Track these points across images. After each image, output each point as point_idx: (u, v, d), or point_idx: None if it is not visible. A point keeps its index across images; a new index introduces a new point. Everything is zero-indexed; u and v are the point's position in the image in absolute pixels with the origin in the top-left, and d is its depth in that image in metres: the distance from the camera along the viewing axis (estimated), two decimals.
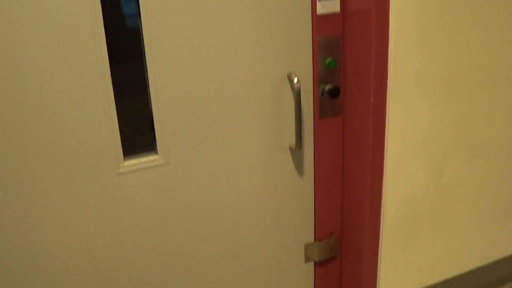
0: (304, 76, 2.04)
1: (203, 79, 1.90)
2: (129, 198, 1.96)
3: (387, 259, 2.29)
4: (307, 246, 2.33)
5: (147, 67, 1.82)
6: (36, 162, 1.77)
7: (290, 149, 2.12)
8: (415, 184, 2.20)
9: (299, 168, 2.17)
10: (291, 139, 2.10)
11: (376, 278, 2.31)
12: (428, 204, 2.26)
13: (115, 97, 1.82)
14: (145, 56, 1.81)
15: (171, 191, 2.01)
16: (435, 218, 2.29)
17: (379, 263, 2.29)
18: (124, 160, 1.91)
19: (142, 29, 1.79)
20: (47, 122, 1.74)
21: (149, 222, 2.02)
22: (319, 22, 2.00)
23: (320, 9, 1.99)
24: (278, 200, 2.19)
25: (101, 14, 1.71)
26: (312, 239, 2.33)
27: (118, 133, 1.86)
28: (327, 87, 2.06)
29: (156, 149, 1.95)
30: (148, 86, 1.86)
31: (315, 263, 2.38)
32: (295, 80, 1.98)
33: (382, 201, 2.18)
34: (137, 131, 2.01)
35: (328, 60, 2.03)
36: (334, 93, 2.05)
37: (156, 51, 1.81)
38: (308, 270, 2.38)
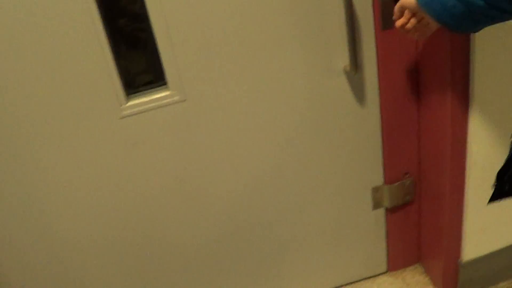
0: None
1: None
2: (138, 145, 1.56)
3: (474, 205, 1.77)
4: (375, 191, 1.84)
5: None
6: (27, 117, 1.40)
7: (345, 72, 1.60)
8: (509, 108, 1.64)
9: (359, 96, 1.66)
10: (346, 61, 1.57)
11: (461, 228, 1.81)
12: None
13: (106, 24, 1.38)
14: None
15: (190, 135, 1.58)
16: None
17: (464, 210, 1.78)
18: (127, 100, 1.51)
19: None
20: (33, 64, 1.35)
21: (166, 173, 1.61)
22: None
23: None
24: (334, 137, 1.71)
25: None
26: (381, 182, 1.83)
27: (115, 67, 1.46)
28: None
29: (167, 84, 1.49)
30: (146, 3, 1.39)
31: (386, 209, 1.89)
32: None
33: (468, 134, 1.63)
34: (142, 64, 1.56)
35: None
36: None
37: None
38: (377, 218, 1.91)
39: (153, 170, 1.59)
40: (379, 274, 2.04)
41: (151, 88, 1.52)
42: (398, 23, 1.37)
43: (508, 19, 1.26)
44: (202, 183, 1.65)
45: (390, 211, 1.90)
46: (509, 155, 1.10)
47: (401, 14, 1.34)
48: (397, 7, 1.35)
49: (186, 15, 1.41)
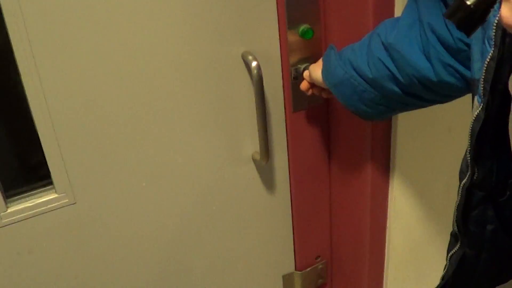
0: (268, 55, 1.36)
1: (114, 75, 1.22)
2: (23, 255, 1.31)
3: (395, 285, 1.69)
4: (286, 278, 1.70)
5: (18, 62, 1.13)
6: None
7: (254, 160, 1.45)
8: (431, 193, 1.57)
9: (269, 183, 1.52)
10: (255, 147, 1.43)
11: None
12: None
13: None
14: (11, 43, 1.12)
15: (83, 239, 1.36)
16: None
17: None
18: (6, 207, 1.24)
19: None
20: None
21: (58, 284, 1.37)
22: None
23: None
24: (242, 225, 1.56)
25: None
26: (293, 269, 1.70)
27: None
28: (304, 66, 1.38)
29: (54, 186, 1.27)
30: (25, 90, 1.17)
31: None
32: (254, 63, 1.30)
33: (388, 220, 1.55)
34: (26, 165, 1.34)
35: (302, 27, 1.34)
36: None
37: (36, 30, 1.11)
38: None
39: (42, 281, 1.36)
40: None
41: (36, 191, 1.30)
42: (303, 86, 1.32)
43: (423, 106, 1.17)
44: None
45: None
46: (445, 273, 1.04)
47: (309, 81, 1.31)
48: (306, 75, 1.31)
49: (73, 108, 1.21)
